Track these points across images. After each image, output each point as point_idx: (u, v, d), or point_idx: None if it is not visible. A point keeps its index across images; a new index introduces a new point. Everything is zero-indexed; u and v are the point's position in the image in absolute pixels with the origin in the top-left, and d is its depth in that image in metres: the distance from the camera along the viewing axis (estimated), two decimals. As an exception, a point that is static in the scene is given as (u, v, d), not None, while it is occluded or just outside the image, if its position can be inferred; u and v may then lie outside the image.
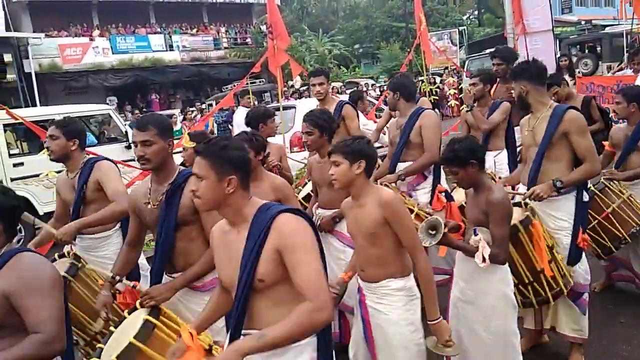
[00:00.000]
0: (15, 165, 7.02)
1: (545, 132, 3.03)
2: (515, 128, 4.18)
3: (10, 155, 7.10)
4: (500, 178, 4.03)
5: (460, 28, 26.71)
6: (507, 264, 2.64)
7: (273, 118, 4.20)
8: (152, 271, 2.63)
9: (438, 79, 17.46)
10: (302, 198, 3.99)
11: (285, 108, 9.24)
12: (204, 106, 15.83)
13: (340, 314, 3.39)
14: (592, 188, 3.47)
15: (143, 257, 3.23)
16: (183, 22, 25.51)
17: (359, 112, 4.99)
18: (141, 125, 2.48)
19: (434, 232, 2.47)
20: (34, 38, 19.17)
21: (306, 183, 4.43)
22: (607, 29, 16.47)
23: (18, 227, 2.20)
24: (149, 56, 23.09)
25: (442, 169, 3.80)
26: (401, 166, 3.88)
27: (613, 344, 3.35)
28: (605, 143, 4.04)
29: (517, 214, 3.02)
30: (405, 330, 2.34)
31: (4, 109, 5.84)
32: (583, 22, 23.45)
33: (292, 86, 18.85)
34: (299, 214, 1.84)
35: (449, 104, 16.77)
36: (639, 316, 3.67)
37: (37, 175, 6.91)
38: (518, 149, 4.26)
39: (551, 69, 6.33)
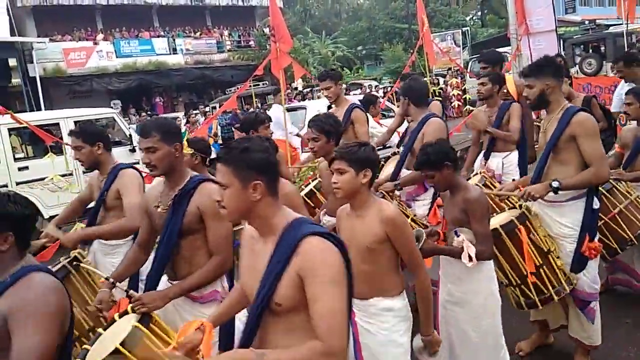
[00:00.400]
0: (20, 169, 7.07)
1: (553, 133, 2.93)
2: None
3: (16, 159, 7.15)
4: (499, 182, 4.00)
5: (464, 29, 26.66)
6: (492, 263, 2.67)
7: (267, 124, 4.16)
8: (148, 275, 2.55)
9: (441, 80, 17.44)
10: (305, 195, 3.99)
11: (296, 109, 9.27)
12: (207, 109, 15.85)
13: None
14: (600, 188, 3.44)
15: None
16: (186, 26, 25.61)
17: (369, 116, 4.88)
18: (144, 132, 2.44)
19: (417, 244, 2.45)
20: (38, 43, 19.28)
21: (309, 184, 4.43)
22: (611, 29, 16.42)
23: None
24: (153, 60, 23.19)
25: None
26: (405, 173, 3.83)
27: (618, 345, 3.32)
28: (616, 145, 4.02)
29: (505, 216, 3.03)
30: (394, 352, 2.27)
31: (8, 113, 5.86)
32: (587, 22, 23.39)
33: (296, 88, 18.90)
34: (329, 238, 1.66)
35: (452, 104, 16.75)
36: (645, 317, 3.65)
37: (43, 179, 6.96)
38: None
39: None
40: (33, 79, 18.38)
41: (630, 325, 3.58)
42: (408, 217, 3.59)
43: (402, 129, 5.21)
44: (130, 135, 7.88)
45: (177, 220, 2.41)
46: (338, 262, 1.63)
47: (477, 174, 4.09)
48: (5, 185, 6.83)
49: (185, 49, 24.42)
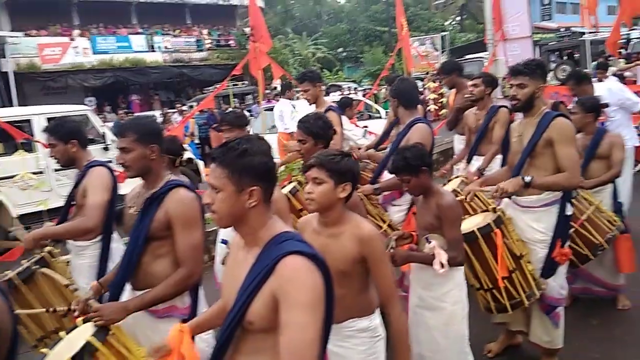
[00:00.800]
0: (-12, 166, 6.87)
1: (531, 138, 2.92)
2: None
3: (-16, 156, 6.95)
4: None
5: (443, 34, 26.97)
6: (462, 269, 2.68)
7: (245, 127, 3.98)
8: (112, 283, 2.41)
9: (420, 84, 17.60)
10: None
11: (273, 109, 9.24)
12: (184, 108, 15.68)
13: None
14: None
15: None
16: (165, 23, 25.30)
17: (345, 118, 4.85)
18: (120, 131, 2.36)
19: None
20: (11, 37, 18.83)
21: (284, 186, 4.40)
22: (585, 36, 16.78)
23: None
24: (130, 57, 22.82)
25: None
26: (387, 176, 3.76)
27: (585, 346, 3.38)
28: None
29: (480, 219, 3.04)
30: None
31: (-23, 108, 5.72)
32: (562, 29, 23.85)
33: (275, 88, 18.81)
34: (312, 258, 1.50)
35: (428, 108, 16.91)
36: (611, 318, 3.73)
37: (12, 177, 6.77)
38: None
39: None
40: (5, 74, 17.96)
41: (596, 325, 3.65)
42: (385, 222, 3.60)
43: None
44: (103, 133, 7.73)
45: (143, 225, 2.29)
46: (317, 286, 1.48)
47: (457, 177, 4.11)
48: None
49: (164, 46, 24.10)
